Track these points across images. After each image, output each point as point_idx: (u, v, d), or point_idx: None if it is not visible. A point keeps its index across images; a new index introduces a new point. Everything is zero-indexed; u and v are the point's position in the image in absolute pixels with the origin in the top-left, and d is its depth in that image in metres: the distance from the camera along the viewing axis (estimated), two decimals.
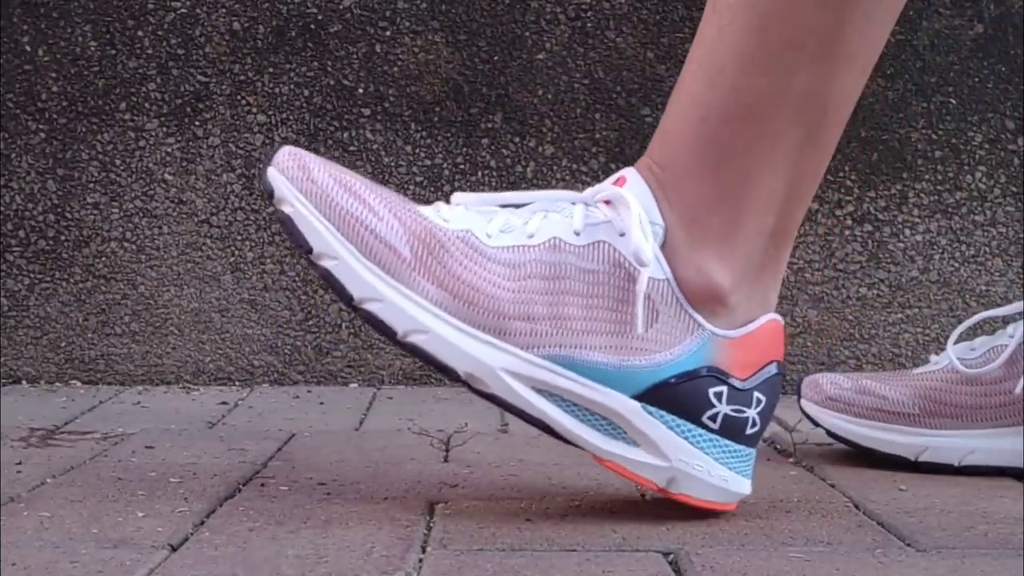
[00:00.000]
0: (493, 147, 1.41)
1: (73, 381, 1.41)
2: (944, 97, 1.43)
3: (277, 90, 1.41)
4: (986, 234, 1.43)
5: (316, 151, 1.40)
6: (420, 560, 0.73)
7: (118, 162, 1.41)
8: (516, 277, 0.80)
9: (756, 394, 0.82)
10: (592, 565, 0.72)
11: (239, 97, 1.41)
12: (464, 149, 1.41)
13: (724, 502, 0.83)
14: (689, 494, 0.82)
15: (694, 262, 0.81)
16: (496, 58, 1.41)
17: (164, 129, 1.41)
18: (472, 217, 0.82)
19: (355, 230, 0.78)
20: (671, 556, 0.75)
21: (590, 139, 1.41)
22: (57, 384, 1.40)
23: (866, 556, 0.75)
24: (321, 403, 1.31)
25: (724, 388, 0.81)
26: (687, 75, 0.82)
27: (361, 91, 1.41)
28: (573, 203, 0.83)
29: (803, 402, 1.05)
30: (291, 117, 1.41)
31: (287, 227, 0.78)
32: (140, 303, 1.41)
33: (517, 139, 1.41)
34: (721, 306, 0.82)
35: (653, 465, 0.81)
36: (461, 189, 1.41)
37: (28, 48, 1.40)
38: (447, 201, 0.84)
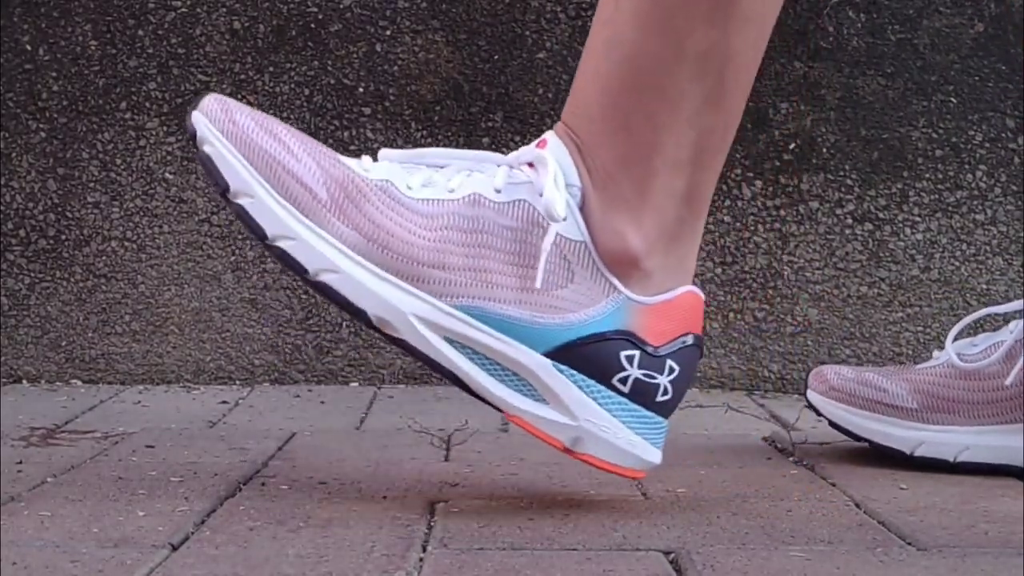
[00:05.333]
0: (494, 146, 1.41)
1: (74, 380, 1.41)
2: (944, 96, 1.43)
3: (277, 89, 1.41)
4: (987, 233, 1.43)
5: None
6: (421, 559, 0.73)
7: (119, 161, 1.41)
8: (434, 227, 0.81)
9: (669, 362, 0.83)
10: (593, 564, 0.72)
11: (240, 96, 1.41)
12: (465, 148, 1.41)
13: (629, 467, 0.83)
14: (593, 455, 0.82)
15: (609, 225, 0.82)
16: (496, 57, 1.41)
17: (165, 128, 1.41)
18: (394, 169, 0.83)
19: (272, 170, 0.80)
20: (672, 555, 0.75)
21: None
22: (58, 383, 1.40)
23: (867, 555, 0.75)
24: (322, 402, 1.31)
25: (636, 352, 0.82)
26: (588, 45, 0.84)
27: (361, 90, 1.41)
28: (498, 165, 0.84)
29: (808, 392, 1.05)
30: (291, 116, 1.41)
31: (206, 166, 0.80)
32: (140, 302, 1.41)
33: (518, 138, 1.41)
34: (636, 270, 0.83)
35: (560, 423, 0.82)
36: None
37: (28, 47, 1.40)
38: (375, 158, 0.85)
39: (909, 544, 0.78)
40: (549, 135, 0.84)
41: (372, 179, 0.82)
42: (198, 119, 0.80)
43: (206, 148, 0.80)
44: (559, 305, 0.81)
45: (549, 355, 0.81)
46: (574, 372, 0.81)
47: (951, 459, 0.99)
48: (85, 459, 0.99)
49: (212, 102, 0.81)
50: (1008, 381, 0.98)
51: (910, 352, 1.42)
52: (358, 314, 0.80)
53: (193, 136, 0.81)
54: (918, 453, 1.00)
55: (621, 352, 0.82)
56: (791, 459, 1.04)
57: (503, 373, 0.81)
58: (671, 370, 0.83)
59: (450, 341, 0.81)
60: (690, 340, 0.84)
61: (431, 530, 0.79)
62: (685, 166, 0.83)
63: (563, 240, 0.82)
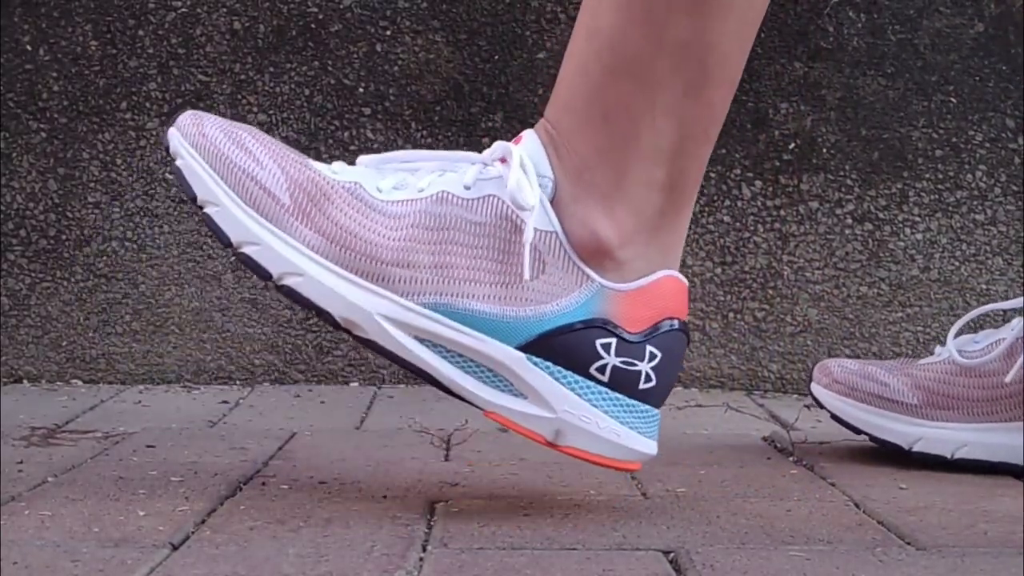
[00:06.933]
0: None
1: (74, 380, 1.41)
2: (945, 96, 1.43)
3: (278, 89, 1.41)
4: (987, 233, 1.43)
5: (316, 150, 1.40)
6: (421, 559, 0.73)
7: (119, 161, 1.41)
8: (399, 227, 0.81)
9: (649, 348, 0.82)
10: (592, 564, 0.72)
11: (240, 96, 1.41)
12: (465, 148, 1.41)
13: (619, 458, 0.82)
14: (577, 447, 0.81)
15: (580, 216, 0.81)
16: (496, 57, 1.41)
17: (165, 128, 1.41)
18: (367, 172, 0.84)
19: (237, 178, 0.81)
20: (671, 555, 0.75)
21: None
22: (58, 383, 1.40)
23: (866, 555, 0.75)
24: (322, 402, 1.31)
25: (613, 340, 0.81)
26: (573, 35, 0.84)
27: (362, 90, 1.41)
28: (472, 163, 0.84)
29: (813, 385, 1.06)
30: (292, 116, 1.41)
31: (177, 177, 0.83)
32: (141, 302, 1.41)
33: None
34: (610, 260, 0.82)
35: (539, 417, 0.81)
36: None
37: (29, 47, 1.40)
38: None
39: (908, 544, 0.78)
40: (526, 132, 0.84)
41: (340, 181, 0.82)
42: (172, 134, 0.83)
43: (177, 161, 0.82)
44: (531, 297, 0.81)
45: (523, 348, 0.81)
46: (549, 364, 0.81)
47: (949, 455, 1.00)
48: (85, 459, 0.99)
49: (187, 117, 0.84)
50: (1008, 379, 0.99)
51: (910, 352, 1.42)
52: (324, 316, 0.80)
53: (167, 150, 0.83)
54: (916, 448, 1.01)
55: (597, 340, 0.81)
56: (791, 459, 1.04)
57: (478, 369, 0.81)
58: (652, 356, 0.82)
59: (421, 340, 0.81)
60: (673, 325, 0.82)
61: (431, 530, 0.79)
62: (664, 156, 0.82)
63: (535, 232, 0.81)
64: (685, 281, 0.84)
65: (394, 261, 0.80)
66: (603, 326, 0.81)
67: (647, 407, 0.83)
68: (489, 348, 0.81)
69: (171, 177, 0.83)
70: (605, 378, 0.81)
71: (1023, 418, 0.99)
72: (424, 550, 0.75)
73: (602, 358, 0.81)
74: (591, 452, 0.81)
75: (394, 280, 0.80)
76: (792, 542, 0.78)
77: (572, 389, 0.81)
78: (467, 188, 0.82)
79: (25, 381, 1.41)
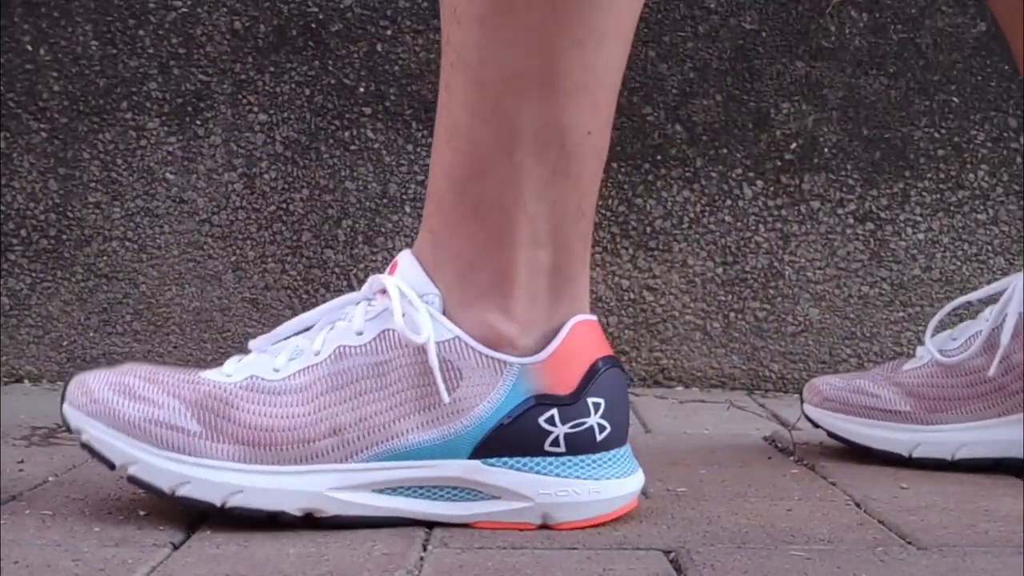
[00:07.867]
0: None
1: None
2: (947, 95, 1.43)
3: (278, 89, 1.41)
4: (988, 232, 1.43)
5: (317, 150, 1.40)
6: (421, 558, 0.73)
7: (119, 161, 1.41)
8: (308, 399, 0.80)
9: (591, 400, 0.81)
10: (593, 563, 0.72)
11: (240, 96, 1.41)
12: None
13: (613, 510, 0.82)
14: (568, 520, 0.81)
15: (475, 318, 0.81)
16: None
17: (165, 128, 1.41)
18: (259, 361, 0.82)
19: (143, 428, 0.79)
20: (672, 554, 0.75)
21: None
22: (59, 383, 1.40)
23: (867, 554, 0.75)
24: None
25: (553, 411, 0.81)
26: (434, 139, 0.83)
27: (362, 90, 1.41)
28: (356, 303, 0.83)
29: (805, 406, 1.05)
30: (292, 116, 1.41)
31: (90, 452, 0.80)
32: (142, 302, 1.41)
33: None
34: (514, 349, 0.81)
35: (520, 509, 0.81)
36: None
37: (29, 47, 1.40)
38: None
39: (909, 543, 0.78)
40: (402, 255, 0.84)
41: (235, 382, 0.81)
42: (67, 411, 0.81)
43: (83, 437, 0.80)
44: (461, 407, 0.80)
45: (474, 455, 0.80)
46: (505, 459, 0.80)
47: (949, 457, 0.99)
48: (86, 458, 0.99)
49: (73, 387, 0.81)
50: (991, 373, 0.98)
51: (911, 352, 1.42)
52: (282, 517, 0.79)
53: (69, 430, 0.81)
54: (916, 454, 1.00)
55: (539, 419, 0.80)
56: (792, 458, 1.04)
57: (443, 492, 0.81)
58: (596, 407, 0.81)
59: (379, 491, 0.80)
60: (604, 365, 0.82)
61: (431, 530, 0.79)
62: (544, 239, 0.82)
63: (438, 345, 0.80)
64: (593, 317, 0.84)
65: (319, 435, 0.79)
66: (539, 402, 0.81)
67: (613, 451, 0.82)
68: (442, 470, 0.80)
69: (85, 451, 0.81)
70: (562, 448, 0.81)
71: (1017, 409, 0.98)
72: (424, 550, 0.75)
73: (551, 432, 0.81)
74: (583, 519, 0.81)
75: (327, 452, 0.79)
76: (793, 542, 0.78)
77: (537, 472, 0.81)
78: (360, 334, 0.81)
79: (25, 381, 1.41)
